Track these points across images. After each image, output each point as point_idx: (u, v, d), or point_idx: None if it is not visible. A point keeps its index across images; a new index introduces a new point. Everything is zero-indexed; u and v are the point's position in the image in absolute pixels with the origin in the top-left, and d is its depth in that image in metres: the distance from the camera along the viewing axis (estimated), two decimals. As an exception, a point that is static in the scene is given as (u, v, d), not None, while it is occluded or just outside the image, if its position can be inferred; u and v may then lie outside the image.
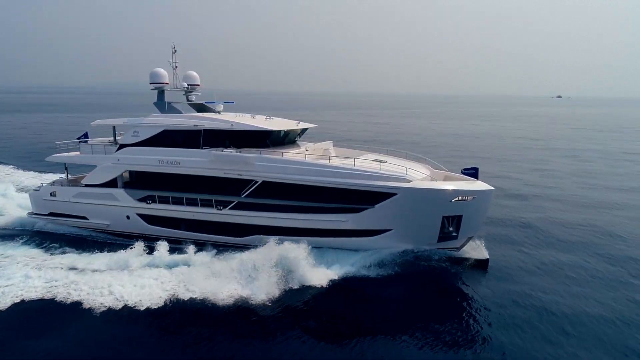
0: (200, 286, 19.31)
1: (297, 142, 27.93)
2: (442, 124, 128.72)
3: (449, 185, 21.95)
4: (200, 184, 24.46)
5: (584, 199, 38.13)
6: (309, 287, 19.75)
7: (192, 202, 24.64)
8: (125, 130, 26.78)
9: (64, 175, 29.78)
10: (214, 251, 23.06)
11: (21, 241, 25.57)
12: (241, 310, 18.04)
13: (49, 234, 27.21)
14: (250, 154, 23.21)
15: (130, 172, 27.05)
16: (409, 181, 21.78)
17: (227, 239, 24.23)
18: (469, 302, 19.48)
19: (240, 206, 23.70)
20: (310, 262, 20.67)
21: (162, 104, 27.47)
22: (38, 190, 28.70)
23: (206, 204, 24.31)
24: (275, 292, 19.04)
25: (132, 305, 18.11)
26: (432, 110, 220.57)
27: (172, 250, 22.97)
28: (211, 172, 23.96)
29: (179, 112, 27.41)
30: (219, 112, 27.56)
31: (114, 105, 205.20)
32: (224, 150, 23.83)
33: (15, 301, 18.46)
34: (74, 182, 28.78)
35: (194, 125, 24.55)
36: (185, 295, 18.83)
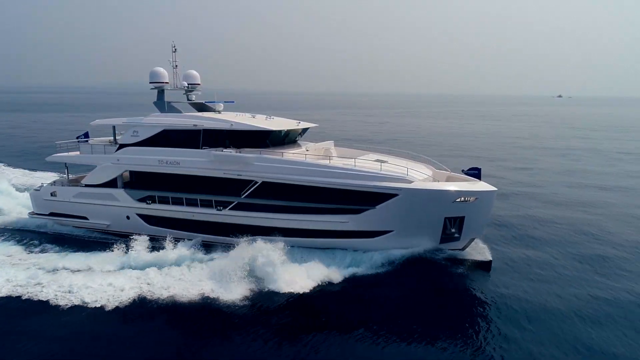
0: (168, 285, 19.42)
1: (298, 141, 27.74)
2: (444, 123, 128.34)
3: (451, 186, 21.72)
4: (200, 184, 24.29)
5: (585, 199, 37.86)
6: (283, 289, 19.26)
7: (192, 203, 24.49)
8: (125, 130, 26.65)
9: (64, 175, 29.68)
10: (193, 249, 22.93)
11: (2, 239, 25.58)
12: (213, 310, 17.91)
13: (36, 233, 27.16)
14: (249, 154, 23.02)
15: (131, 172, 26.92)
16: (411, 182, 21.55)
17: (227, 239, 24.07)
18: (471, 305, 19.23)
19: (240, 207, 23.53)
20: (283, 261, 20.36)
21: (161, 104, 27.31)
22: (39, 190, 28.62)
23: (206, 204, 24.16)
24: (248, 292, 18.95)
25: (97, 305, 17.95)
26: (434, 110, 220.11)
27: (153, 249, 23.02)
28: (211, 172, 23.78)
29: (179, 111, 27.25)
30: (219, 112, 27.39)
31: (115, 105, 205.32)
32: (224, 150, 23.65)
33: None
34: (75, 182, 28.67)
35: (194, 125, 24.37)
36: (155, 295, 18.77)
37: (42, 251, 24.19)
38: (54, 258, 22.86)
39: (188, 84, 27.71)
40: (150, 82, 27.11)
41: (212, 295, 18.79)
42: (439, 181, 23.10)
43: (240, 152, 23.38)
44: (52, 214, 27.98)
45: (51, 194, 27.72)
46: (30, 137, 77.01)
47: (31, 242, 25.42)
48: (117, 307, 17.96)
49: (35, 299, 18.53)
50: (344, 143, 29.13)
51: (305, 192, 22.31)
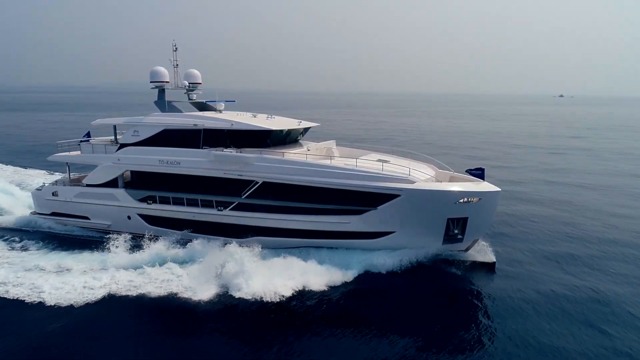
0: (139, 284, 19.53)
1: (300, 141, 27.48)
2: (443, 123, 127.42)
3: (454, 187, 21.36)
4: (201, 184, 24.12)
5: (587, 198, 37.29)
6: (252, 295, 18.76)
7: (192, 203, 24.34)
8: (126, 130, 26.53)
9: (66, 175, 29.67)
10: (171, 249, 22.85)
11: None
12: (180, 312, 17.88)
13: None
14: (250, 154, 22.80)
15: (132, 172, 26.82)
16: (413, 182, 21.22)
17: (228, 240, 23.89)
18: (474, 307, 18.93)
19: (240, 207, 23.33)
20: (257, 266, 20.11)
21: (162, 103, 27.14)
22: (40, 189, 28.63)
23: (207, 204, 23.99)
24: (218, 297, 18.74)
25: (65, 304, 18.00)
26: (433, 109, 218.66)
27: (134, 248, 23.15)
28: (211, 172, 23.60)
29: (180, 111, 27.09)
30: (220, 111, 27.17)
31: (115, 105, 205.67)
32: (224, 150, 23.44)
33: None
34: (76, 182, 28.64)
35: (194, 124, 24.18)
36: (124, 294, 18.91)
37: (23, 249, 24.27)
38: (37, 257, 22.91)
39: (189, 83, 27.52)
40: (150, 82, 26.92)
41: (182, 296, 18.74)
42: (441, 181, 22.72)
43: (240, 152, 23.17)
44: (54, 214, 27.97)
45: (53, 194, 27.71)
46: (31, 136, 77.28)
47: (28, 241, 25.37)
48: (86, 305, 18.05)
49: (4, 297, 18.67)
50: (346, 143, 28.81)
51: (306, 192, 22.06)
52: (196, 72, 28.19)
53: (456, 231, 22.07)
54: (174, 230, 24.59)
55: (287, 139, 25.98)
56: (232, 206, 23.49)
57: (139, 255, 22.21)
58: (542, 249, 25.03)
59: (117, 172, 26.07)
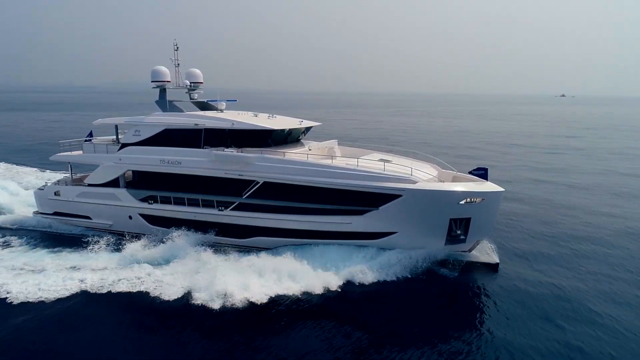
0: (111, 284, 19.74)
1: (301, 140, 27.29)
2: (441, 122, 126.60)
3: (457, 187, 21.08)
4: (202, 184, 24.01)
5: (588, 198, 36.81)
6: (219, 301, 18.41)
7: (193, 203, 24.24)
8: (128, 129, 26.48)
9: (68, 174, 29.68)
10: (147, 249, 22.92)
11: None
12: (148, 311, 17.92)
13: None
14: (250, 154, 22.66)
15: (133, 172, 26.77)
16: (415, 182, 20.96)
17: (229, 240, 23.80)
18: (474, 308, 18.68)
19: (241, 207, 23.20)
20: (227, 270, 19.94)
21: (163, 103, 27.06)
22: (42, 189, 28.67)
23: (207, 204, 23.88)
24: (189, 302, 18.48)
25: (30, 302, 18.23)
26: (434, 109, 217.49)
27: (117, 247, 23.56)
28: (212, 172, 23.47)
29: (181, 110, 26.99)
30: (221, 111, 27.05)
31: (116, 104, 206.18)
32: (225, 149, 23.31)
33: None
34: (78, 182, 28.65)
35: (195, 124, 24.06)
36: (96, 293, 19.13)
37: (5, 246, 24.47)
38: (15, 255, 23.08)
39: (190, 83, 27.42)
40: (152, 81, 26.83)
41: (153, 295, 18.81)
42: (444, 181, 22.45)
43: (241, 152, 23.02)
44: (56, 213, 28.00)
45: (55, 194, 27.73)
46: (34, 136, 77.64)
47: (18, 239, 25.49)
48: (57, 301, 18.39)
49: None
50: (348, 142, 28.59)
51: (307, 192, 21.87)
52: (197, 71, 28.08)
53: (459, 232, 21.80)
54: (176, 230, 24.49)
55: (288, 138, 25.80)
56: (232, 206, 23.36)
57: (116, 255, 22.60)
58: (543, 249, 24.74)
59: (119, 171, 26.02)
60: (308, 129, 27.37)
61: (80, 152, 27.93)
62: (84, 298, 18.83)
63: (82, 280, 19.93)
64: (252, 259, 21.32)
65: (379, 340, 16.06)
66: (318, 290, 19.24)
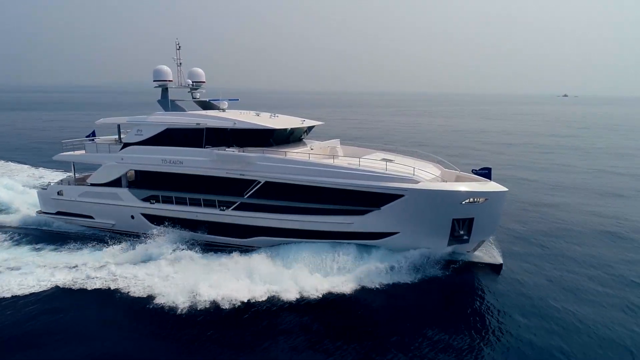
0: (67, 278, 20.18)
1: (304, 140, 27.17)
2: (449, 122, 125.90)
3: (460, 187, 20.89)
4: (204, 184, 23.95)
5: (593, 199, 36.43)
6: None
7: (195, 203, 24.19)
8: (130, 129, 26.47)
9: (71, 174, 29.72)
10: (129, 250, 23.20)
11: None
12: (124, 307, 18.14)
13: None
14: (252, 154, 22.57)
15: (135, 172, 26.76)
16: (417, 182, 20.79)
17: (231, 240, 23.74)
18: (479, 310, 18.49)
19: (243, 207, 23.12)
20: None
21: (165, 102, 27.01)
22: (45, 189, 28.73)
23: (209, 204, 23.82)
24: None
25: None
26: (435, 109, 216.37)
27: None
28: (214, 171, 23.41)
29: (183, 110, 26.94)
30: (223, 110, 26.97)
31: (116, 104, 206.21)
32: (227, 149, 23.23)
33: None
34: (81, 181, 28.68)
35: (197, 123, 24.00)
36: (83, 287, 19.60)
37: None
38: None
39: (193, 82, 27.37)
40: (154, 80, 26.75)
41: (135, 296, 18.96)
42: (447, 181, 22.26)
43: (243, 151, 22.94)
44: (59, 213, 28.06)
45: (58, 193, 27.78)
46: (36, 135, 77.76)
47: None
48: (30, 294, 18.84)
49: None
50: (350, 141, 28.43)
51: (309, 192, 21.76)
52: (200, 70, 28.02)
53: (462, 232, 21.60)
54: (177, 230, 24.44)
55: (290, 137, 25.69)
56: (234, 206, 23.29)
57: (98, 254, 22.98)
58: (546, 250, 24.52)
59: (121, 171, 26.01)
60: (310, 128, 27.24)
61: (83, 151, 27.97)
62: (61, 294, 19.12)
63: (57, 277, 20.35)
64: (224, 260, 21.59)
65: (379, 341, 15.99)
66: (312, 293, 18.97)
